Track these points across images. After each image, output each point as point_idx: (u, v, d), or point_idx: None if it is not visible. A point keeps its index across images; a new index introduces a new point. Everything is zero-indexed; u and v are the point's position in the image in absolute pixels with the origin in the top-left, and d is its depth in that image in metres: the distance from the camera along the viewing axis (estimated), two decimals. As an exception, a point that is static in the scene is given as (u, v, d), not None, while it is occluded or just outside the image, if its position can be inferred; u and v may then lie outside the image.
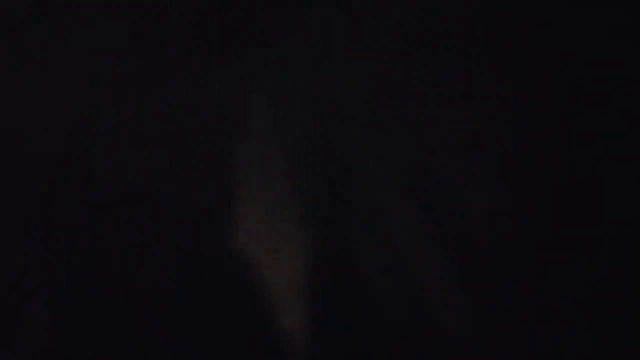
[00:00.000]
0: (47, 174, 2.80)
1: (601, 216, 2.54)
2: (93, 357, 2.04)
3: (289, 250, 2.44)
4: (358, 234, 2.57)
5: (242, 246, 2.45)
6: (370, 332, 2.22)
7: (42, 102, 3.14)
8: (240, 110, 3.20)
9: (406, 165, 2.84)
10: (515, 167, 2.75)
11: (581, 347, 2.12)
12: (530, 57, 3.10)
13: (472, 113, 2.96)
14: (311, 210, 2.65)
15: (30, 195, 2.69)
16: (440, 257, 2.44)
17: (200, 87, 3.30)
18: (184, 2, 3.58)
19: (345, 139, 3.02)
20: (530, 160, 2.77)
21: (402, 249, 2.48)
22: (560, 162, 2.75)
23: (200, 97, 3.26)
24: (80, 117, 3.09)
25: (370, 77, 3.22)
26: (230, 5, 3.54)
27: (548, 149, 2.80)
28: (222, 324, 2.21)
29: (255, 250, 2.45)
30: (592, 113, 2.86)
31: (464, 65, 3.12)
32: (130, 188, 2.75)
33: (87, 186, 2.75)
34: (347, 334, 2.16)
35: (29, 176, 2.78)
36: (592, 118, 2.85)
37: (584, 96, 2.91)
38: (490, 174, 2.73)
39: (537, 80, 3.02)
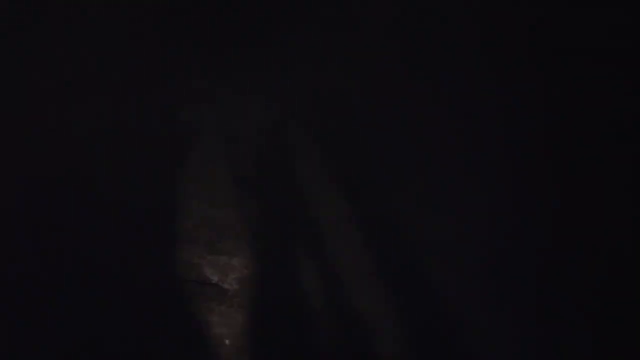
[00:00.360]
0: (47, 174, 2.80)
1: (601, 216, 2.54)
2: (93, 357, 2.04)
3: (305, 263, 2.43)
4: (361, 233, 2.56)
5: (247, 260, 2.44)
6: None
7: (42, 102, 3.14)
8: (241, 110, 3.20)
9: (406, 165, 2.84)
10: (515, 167, 2.75)
11: (581, 347, 2.12)
12: (529, 57, 3.10)
13: (472, 113, 2.96)
14: (317, 215, 2.65)
15: (30, 195, 2.68)
16: (441, 256, 2.44)
17: (200, 87, 3.30)
18: (184, 2, 3.58)
19: (346, 139, 3.02)
20: (530, 160, 2.77)
21: (405, 249, 2.48)
22: (560, 162, 2.75)
23: (201, 97, 3.26)
24: (81, 117, 3.09)
25: (370, 77, 3.22)
26: (230, 5, 3.54)
27: (548, 149, 2.80)
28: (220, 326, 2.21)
29: (261, 263, 2.44)
30: (592, 113, 2.86)
31: (464, 65, 3.12)
32: (130, 188, 2.75)
33: (87, 186, 2.74)
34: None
35: (29, 176, 2.78)
36: (592, 118, 2.84)
37: (584, 96, 2.91)
38: (490, 174, 2.73)
39: (537, 80, 3.02)
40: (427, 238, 2.50)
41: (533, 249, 2.45)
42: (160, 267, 2.39)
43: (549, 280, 2.34)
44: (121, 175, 2.80)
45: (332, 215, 2.61)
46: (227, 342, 2.07)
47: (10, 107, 3.09)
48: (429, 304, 2.25)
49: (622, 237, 2.45)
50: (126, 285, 2.29)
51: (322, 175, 2.81)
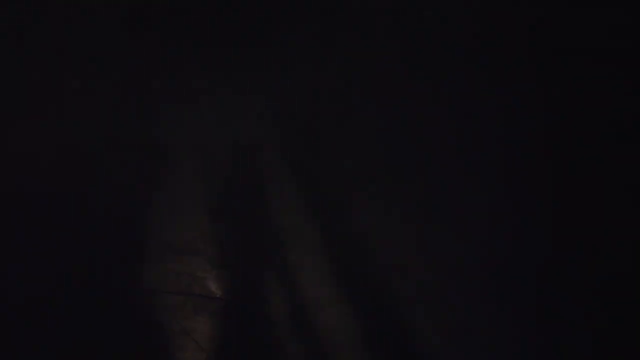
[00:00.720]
0: (47, 174, 2.80)
1: (601, 216, 2.54)
2: (93, 357, 2.04)
3: (307, 271, 2.42)
4: (362, 234, 2.57)
5: (251, 275, 2.44)
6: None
7: (42, 102, 3.14)
8: (242, 109, 3.20)
9: (406, 165, 2.84)
10: (515, 167, 2.75)
11: (581, 347, 2.12)
12: (529, 57, 3.10)
13: (472, 113, 2.96)
14: (319, 217, 2.65)
15: (30, 195, 2.68)
16: (442, 255, 2.44)
17: (200, 87, 3.30)
18: (184, 2, 3.58)
19: (346, 138, 3.02)
20: (530, 160, 2.77)
21: (405, 249, 2.48)
22: (560, 162, 2.75)
23: (201, 96, 3.26)
24: (80, 116, 3.09)
25: (370, 77, 3.22)
26: (230, 5, 3.54)
27: (548, 149, 2.80)
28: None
29: (266, 277, 2.44)
30: (592, 113, 2.86)
31: (464, 65, 3.12)
32: (130, 189, 2.75)
33: (87, 186, 2.74)
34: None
35: (29, 176, 2.78)
36: (592, 118, 2.84)
37: (584, 96, 2.91)
38: (490, 174, 2.73)
39: (537, 80, 3.02)
40: (427, 238, 2.51)
41: (533, 249, 2.45)
42: (160, 271, 2.39)
43: (549, 280, 2.34)
44: (121, 176, 2.80)
45: (333, 216, 2.61)
46: (229, 354, 2.07)
47: (10, 107, 3.09)
48: (429, 304, 2.25)
49: (622, 237, 2.45)
50: (126, 286, 2.29)
51: (323, 176, 2.81)
